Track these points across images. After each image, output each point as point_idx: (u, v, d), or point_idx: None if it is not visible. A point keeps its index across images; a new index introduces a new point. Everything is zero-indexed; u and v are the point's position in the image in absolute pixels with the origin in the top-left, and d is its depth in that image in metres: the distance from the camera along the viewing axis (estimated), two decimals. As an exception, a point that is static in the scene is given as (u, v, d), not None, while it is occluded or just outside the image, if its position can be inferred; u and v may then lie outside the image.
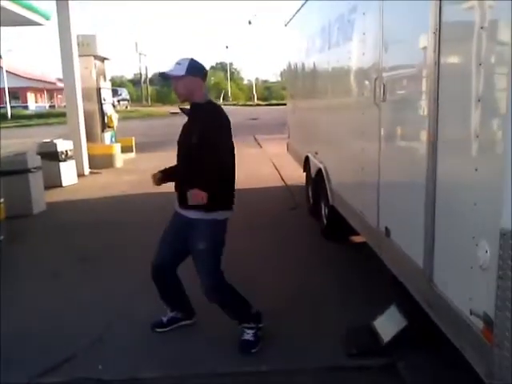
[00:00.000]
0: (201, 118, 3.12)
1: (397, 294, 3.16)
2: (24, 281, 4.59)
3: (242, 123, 24.33)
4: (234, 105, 50.67)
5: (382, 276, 3.48)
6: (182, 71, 3.07)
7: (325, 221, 5.44)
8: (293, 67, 8.22)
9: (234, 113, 34.40)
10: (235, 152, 3.32)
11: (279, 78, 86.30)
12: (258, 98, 57.30)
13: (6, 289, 4.25)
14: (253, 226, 6.08)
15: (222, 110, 3.29)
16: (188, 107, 3.22)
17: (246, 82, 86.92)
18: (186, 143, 3.18)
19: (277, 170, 9.98)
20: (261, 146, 14.71)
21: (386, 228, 3.20)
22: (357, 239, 4.93)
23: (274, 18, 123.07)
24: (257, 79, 73.64)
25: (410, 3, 2.84)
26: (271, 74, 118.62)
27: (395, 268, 3.11)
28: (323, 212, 5.50)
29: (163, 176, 3.45)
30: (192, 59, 3.17)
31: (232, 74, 76.97)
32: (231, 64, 79.54)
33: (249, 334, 3.23)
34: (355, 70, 4.14)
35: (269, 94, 69.07)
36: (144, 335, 3.42)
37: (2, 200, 5.78)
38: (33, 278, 4.66)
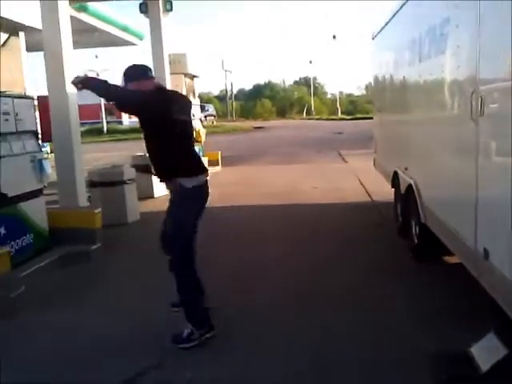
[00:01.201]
0: None
1: (496, 320, 2.96)
2: (118, 286, 4.84)
3: (326, 137, 24.21)
4: (318, 119, 50.57)
5: (478, 300, 3.27)
6: (123, 82, 3.50)
7: (415, 239, 5.21)
8: (380, 80, 8.05)
9: (318, 127, 34.58)
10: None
11: (364, 92, 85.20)
12: (342, 112, 56.72)
13: (102, 292, 4.51)
14: (337, 241, 6.00)
15: (166, 91, 3.74)
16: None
17: (329, 95, 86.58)
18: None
19: (362, 185, 9.79)
20: (345, 161, 14.52)
21: (485, 249, 3.01)
22: (450, 260, 4.68)
23: (360, 32, 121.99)
24: (341, 93, 73.01)
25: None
26: (355, 87, 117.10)
27: (495, 293, 2.91)
28: (413, 230, 5.28)
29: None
30: (127, 68, 3.57)
31: (315, 88, 76.90)
32: (315, 78, 79.55)
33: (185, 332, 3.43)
34: (449, 84, 3.98)
35: (353, 107, 68.12)
36: (228, 345, 3.47)
37: (100, 209, 6.17)
38: (126, 284, 4.90)
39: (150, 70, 3.69)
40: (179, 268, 3.56)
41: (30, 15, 5.12)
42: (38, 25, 5.31)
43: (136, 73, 3.52)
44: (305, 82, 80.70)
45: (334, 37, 59.85)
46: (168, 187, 3.65)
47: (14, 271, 4.29)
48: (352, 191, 9.21)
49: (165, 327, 3.74)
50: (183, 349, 3.40)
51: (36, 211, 5.14)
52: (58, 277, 4.90)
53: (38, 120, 5.92)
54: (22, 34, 5.27)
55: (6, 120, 4.76)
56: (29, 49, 5.46)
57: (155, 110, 3.36)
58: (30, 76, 5.35)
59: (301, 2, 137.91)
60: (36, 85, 5.55)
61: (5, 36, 5.16)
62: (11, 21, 4.87)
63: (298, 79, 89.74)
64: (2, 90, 4.90)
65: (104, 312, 4.12)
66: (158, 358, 3.30)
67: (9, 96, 4.83)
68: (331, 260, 5.29)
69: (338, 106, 58.79)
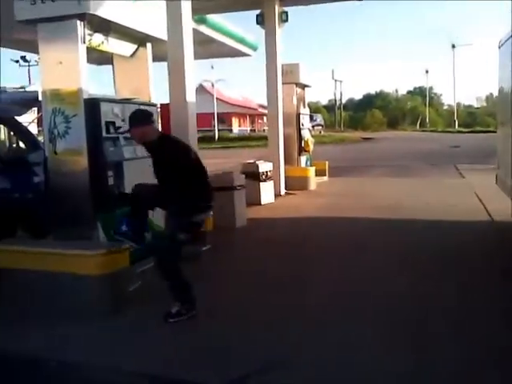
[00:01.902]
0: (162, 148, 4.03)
1: None
2: (226, 285, 4.98)
3: (442, 151, 23.00)
4: (432, 131, 48.27)
5: None
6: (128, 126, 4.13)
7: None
8: (506, 92, 7.46)
9: (432, 139, 32.98)
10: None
11: (484, 103, 79.84)
12: (459, 125, 53.61)
13: (212, 291, 4.66)
14: (444, 263, 5.62)
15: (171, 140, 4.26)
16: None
17: (445, 107, 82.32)
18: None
19: (482, 202, 9.10)
20: (463, 176, 13.64)
21: None
22: None
23: (481, 40, 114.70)
24: (458, 104, 69.03)
25: None
26: (475, 98, 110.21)
27: None
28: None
29: None
30: (132, 113, 4.11)
31: (431, 98, 73.49)
32: (431, 88, 76.12)
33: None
34: None
35: (472, 120, 64.14)
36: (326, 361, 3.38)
37: (211, 213, 6.39)
38: (233, 284, 5.02)
39: (152, 115, 4.28)
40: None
41: (157, 27, 5.43)
42: (164, 36, 5.65)
43: (140, 118, 4.03)
44: (419, 92, 77.55)
45: (454, 46, 57.01)
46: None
47: (133, 267, 4.58)
48: (469, 209, 8.59)
49: (264, 329, 3.76)
50: (173, 322, 3.90)
51: (155, 211, 5.43)
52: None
53: (160, 126, 6.30)
54: (149, 45, 5.63)
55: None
56: (154, 59, 5.85)
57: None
58: (154, 85, 5.69)
59: (418, 8, 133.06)
60: (158, 93, 5.90)
61: (134, 47, 5.54)
62: (140, 32, 5.21)
63: (412, 89, 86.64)
64: (130, 97, 5.27)
65: (209, 312, 4.24)
66: (261, 363, 3.32)
67: (136, 103, 5.19)
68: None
69: (455, 117, 55.68)
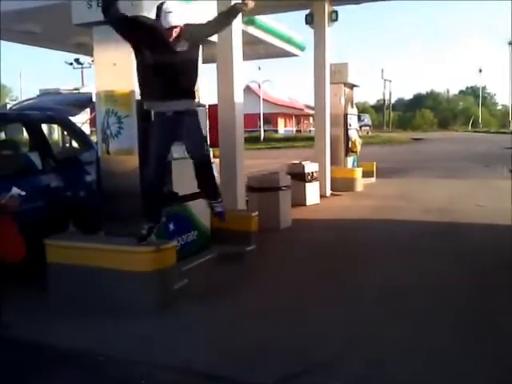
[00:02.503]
0: None
1: None
2: (271, 289, 4.97)
3: (496, 152, 22.14)
4: (485, 132, 46.60)
5: None
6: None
7: None
8: None
9: (485, 140, 31.82)
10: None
11: (543, 103, 76.20)
12: (514, 125, 51.48)
13: (255, 291, 4.69)
14: (494, 271, 5.41)
15: None
16: None
17: (499, 107, 79.21)
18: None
19: (539, 207, 8.67)
20: (517, 179, 13.08)
21: None
22: None
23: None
24: (513, 104, 66.19)
25: None
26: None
27: None
28: None
29: None
30: None
31: (484, 98, 70.90)
32: (484, 88, 73.42)
33: (219, 207, 4.55)
34: None
35: (528, 120, 61.40)
36: (380, 361, 3.32)
37: (257, 213, 6.41)
38: (278, 287, 5.01)
39: None
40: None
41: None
42: (214, 37, 5.69)
43: None
44: (472, 92, 75.18)
45: (510, 43, 54.81)
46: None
47: (179, 264, 4.65)
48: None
49: (306, 332, 3.74)
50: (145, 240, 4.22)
51: (200, 211, 5.51)
52: (217, 273, 5.20)
53: (208, 126, 6.38)
54: (200, 47, 5.69)
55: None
56: (204, 61, 5.91)
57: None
58: (204, 85, 5.75)
59: (471, 5, 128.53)
60: (207, 94, 5.96)
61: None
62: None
63: (464, 88, 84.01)
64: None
65: (255, 311, 4.25)
66: (304, 365, 3.30)
67: (185, 104, 5.26)
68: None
69: (510, 118, 53.48)
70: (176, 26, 4.06)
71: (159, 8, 4.05)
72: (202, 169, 4.46)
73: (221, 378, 3.22)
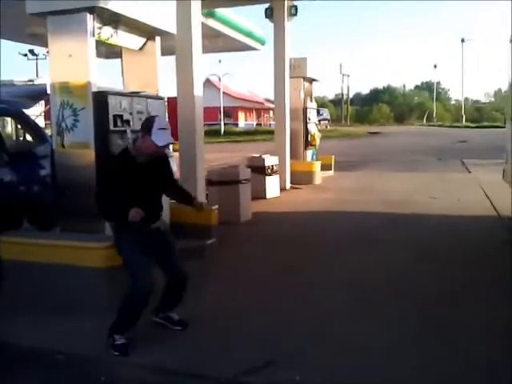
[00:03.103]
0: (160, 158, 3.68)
1: None
2: (229, 281, 5.00)
3: (449, 146, 22.90)
4: (439, 126, 48.03)
5: None
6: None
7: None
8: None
9: (439, 134, 32.83)
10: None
11: (493, 99, 79.27)
12: (466, 120, 53.30)
13: (212, 286, 4.70)
14: (455, 260, 5.63)
15: None
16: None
17: (453, 102, 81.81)
18: (159, 183, 3.68)
19: (488, 198, 9.08)
20: (469, 171, 13.60)
21: None
22: None
23: (490, 35, 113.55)
24: (466, 99, 68.62)
25: None
26: (483, 93, 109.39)
27: None
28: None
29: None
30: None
31: (439, 93, 73.06)
32: (438, 83, 75.59)
33: (176, 315, 3.83)
34: None
35: (479, 115, 63.77)
36: (344, 351, 3.40)
37: (217, 206, 6.41)
38: (237, 279, 5.05)
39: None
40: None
41: (166, 21, 5.43)
42: (173, 29, 5.64)
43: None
44: (427, 87, 77.20)
45: (463, 40, 56.68)
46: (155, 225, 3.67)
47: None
48: (475, 204, 8.58)
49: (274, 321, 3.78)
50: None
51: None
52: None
53: (167, 119, 6.31)
54: (158, 39, 5.63)
55: (140, 119, 5.13)
56: (162, 53, 5.85)
57: None
58: (162, 78, 5.69)
59: (426, 3, 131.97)
60: (166, 86, 5.90)
61: (143, 40, 5.54)
62: (149, 26, 5.21)
63: (419, 83, 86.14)
64: (138, 90, 5.28)
65: (215, 304, 4.27)
66: (267, 358, 3.34)
67: (143, 96, 5.20)
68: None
69: (463, 112, 55.37)
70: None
71: (150, 122, 3.47)
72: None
73: (179, 373, 3.23)
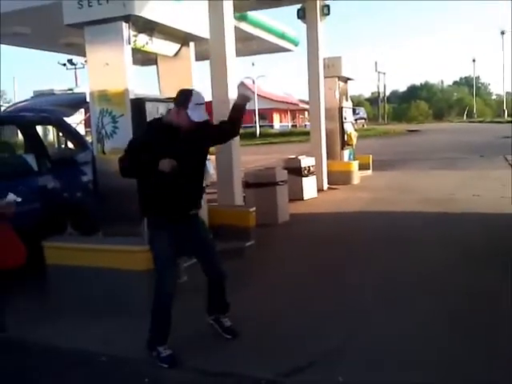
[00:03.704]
0: (200, 128, 3.34)
1: None
2: (269, 282, 4.99)
3: (491, 142, 22.17)
4: (480, 122, 46.64)
5: None
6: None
7: None
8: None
9: (480, 130, 31.87)
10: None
11: (536, 92, 76.36)
12: (508, 114, 51.54)
13: (252, 287, 4.70)
14: (494, 258, 5.44)
15: None
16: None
17: (494, 96, 79.38)
18: (198, 157, 3.46)
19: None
20: (513, 168, 13.13)
21: None
22: None
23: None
24: (508, 93, 66.33)
25: None
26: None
27: None
28: None
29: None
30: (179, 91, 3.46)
31: (478, 88, 71.01)
32: (478, 78, 73.53)
33: (227, 321, 3.68)
34: None
35: (522, 109, 61.53)
36: (380, 350, 3.35)
37: (254, 208, 6.43)
38: (277, 280, 5.04)
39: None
40: None
41: (199, 26, 5.49)
42: (206, 34, 5.70)
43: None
44: (466, 82, 75.31)
45: (503, 32, 54.94)
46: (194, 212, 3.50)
47: (179, 261, 4.64)
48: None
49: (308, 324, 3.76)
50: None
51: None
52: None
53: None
54: (192, 44, 5.69)
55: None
56: (197, 58, 5.91)
57: None
58: (197, 83, 5.75)
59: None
60: (201, 91, 5.95)
61: (177, 46, 5.62)
62: (183, 32, 5.28)
63: (458, 79, 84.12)
64: (174, 96, 5.35)
65: (257, 304, 4.27)
66: (308, 358, 3.32)
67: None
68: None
69: (505, 107, 53.61)
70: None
71: (187, 96, 3.31)
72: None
73: (221, 374, 3.25)
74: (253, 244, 6.06)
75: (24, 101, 8.30)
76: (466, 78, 78.73)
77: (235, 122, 3.55)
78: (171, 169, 3.10)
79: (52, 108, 6.70)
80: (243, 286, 4.65)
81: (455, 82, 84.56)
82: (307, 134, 15.82)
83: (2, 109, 12.67)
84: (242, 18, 9.87)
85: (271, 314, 4.12)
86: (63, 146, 7.48)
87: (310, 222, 7.94)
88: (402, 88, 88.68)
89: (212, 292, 3.67)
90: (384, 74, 60.32)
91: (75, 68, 35.33)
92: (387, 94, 69.01)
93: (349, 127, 12.75)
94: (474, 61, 69.09)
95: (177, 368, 3.33)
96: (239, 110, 3.50)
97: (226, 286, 3.65)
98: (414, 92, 79.57)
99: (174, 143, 3.28)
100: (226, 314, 3.70)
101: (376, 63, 53.78)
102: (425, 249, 5.90)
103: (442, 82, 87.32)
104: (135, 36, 4.85)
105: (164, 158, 3.12)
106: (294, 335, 3.71)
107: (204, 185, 3.79)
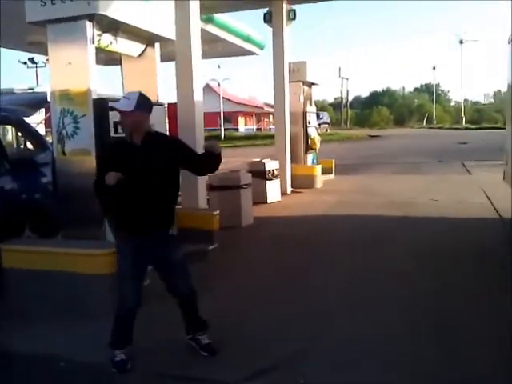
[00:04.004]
0: (163, 141, 3.38)
1: None
2: (233, 285, 4.99)
3: (449, 148, 22.90)
4: (440, 128, 48.04)
5: None
6: (130, 107, 3.15)
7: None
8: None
9: (439, 136, 32.85)
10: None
11: (492, 100, 79.38)
12: (466, 121, 53.33)
13: (216, 290, 4.70)
14: (455, 259, 5.62)
15: None
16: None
17: (452, 103, 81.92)
18: (158, 169, 3.23)
19: (489, 199, 9.07)
20: (470, 173, 13.60)
21: None
22: None
23: (489, 36, 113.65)
24: (466, 101, 68.68)
25: None
26: (482, 95, 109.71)
27: None
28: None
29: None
30: (140, 94, 3.24)
31: (438, 95, 73.17)
32: (438, 85, 75.77)
33: (205, 339, 3.51)
34: None
35: (479, 116, 63.74)
36: (343, 352, 3.40)
37: (218, 211, 6.42)
38: (239, 283, 5.04)
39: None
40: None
41: (165, 27, 5.46)
42: (172, 35, 5.66)
43: (148, 107, 3.31)
44: (426, 89, 77.31)
45: (462, 41, 56.89)
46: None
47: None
48: (477, 206, 8.58)
49: (274, 328, 3.78)
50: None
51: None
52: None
53: (167, 125, 6.32)
54: (157, 45, 5.65)
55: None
56: (162, 59, 5.87)
57: None
58: (161, 84, 5.71)
59: (424, 4, 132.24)
60: (165, 93, 5.92)
61: (142, 47, 5.57)
62: (149, 32, 5.24)
63: (418, 86, 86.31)
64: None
65: (219, 308, 4.26)
66: (271, 361, 3.34)
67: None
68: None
69: (463, 114, 55.46)
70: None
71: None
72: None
73: (183, 378, 3.24)
74: (216, 247, 6.05)
75: (-19, 99, 8.01)
76: (426, 84, 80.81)
77: (211, 163, 3.47)
78: (116, 182, 3.05)
79: (11, 107, 6.50)
80: (206, 289, 4.62)
81: (416, 89, 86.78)
82: (272, 137, 15.87)
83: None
84: (208, 19, 9.86)
85: (235, 317, 4.12)
86: (22, 146, 7.26)
87: (274, 225, 7.99)
88: (365, 94, 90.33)
89: (184, 312, 3.56)
90: (347, 79, 61.56)
91: (36, 67, 34.49)
92: (350, 99, 70.36)
93: (312, 131, 12.91)
94: (434, 68, 71.42)
95: (130, 372, 3.29)
96: (210, 156, 3.38)
97: (197, 304, 3.53)
98: (376, 98, 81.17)
99: (131, 156, 3.22)
100: (203, 331, 3.55)
101: (340, 69, 54.82)
102: (387, 251, 6.03)
103: (404, 88, 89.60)
104: (99, 35, 4.78)
105: (122, 171, 3.08)
106: (258, 338, 3.73)
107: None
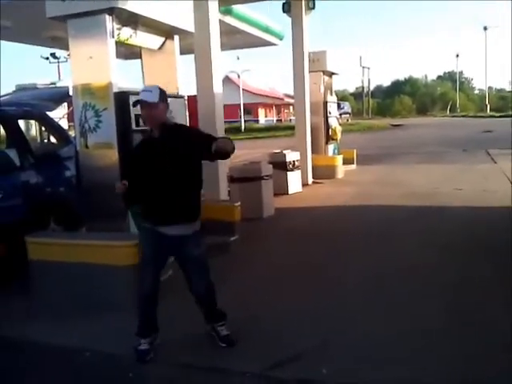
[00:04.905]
0: (181, 135, 3.25)
1: None
2: (253, 277, 5.00)
3: (473, 136, 22.45)
4: (463, 116, 47.16)
5: None
6: (155, 98, 3.20)
7: None
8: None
9: (463, 125, 32.25)
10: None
11: (517, 87, 77.45)
12: (491, 109, 52.19)
13: (236, 282, 4.71)
14: (484, 250, 5.52)
15: None
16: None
17: (476, 91, 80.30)
18: (177, 160, 3.19)
19: (514, 188, 8.88)
20: (495, 162, 13.31)
21: None
22: None
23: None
24: (490, 88, 67.20)
25: None
26: (507, 82, 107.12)
27: None
28: None
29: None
30: (159, 87, 3.32)
31: (461, 83, 71.76)
32: (461, 73, 74.29)
33: (224, 330, 3.51)
34: None
35: (504, 104, 62.27)
36: (364, 343, 3.38)
37: (239, 203, 6.43)
38: (260, 275, 5.05)
39: None
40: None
41: (184, 19, 5.46)
42: (191, 28, 5.66)
43: (166, 98, 3.35)
44: (449, 77, 75.97)
45: (486, 28, 55.58)
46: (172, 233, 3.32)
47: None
48: (502, 195, 8.40)
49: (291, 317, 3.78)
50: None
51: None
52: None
53: (188, 118, 6.34)
54: (176, 38, 5.66)
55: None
56: (181, 51, 5.88)
57: None
58: (181, 77, 5.73)
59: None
60: (185, 85, 5.92)
61: (162, 40, 5.58)
62: (168, 25, 5.25)
63: (441, 74, 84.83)
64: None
65: (240, 299, 4.28)
66: (293, 352, 3.34)
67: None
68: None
69: (487, 102, 54.31)
70: None
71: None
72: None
73: (205, 369, 3.25)
74: (237, 239, 6.06)
75: (6, 95, 8.17)
76: (449, 72, 79.46)
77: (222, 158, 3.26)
78: (122, 190, 3.19)
79: (34, 102, 6.61)
80: (227, 281, 4.65)
81: (439, 77, 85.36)
82: (292, 128, 15.85)
83: (-16, 102, 12.41)
84: (226, 11, 9.82)
85: (255, 310, 4.12)
86: (46, 140, 7.38)
87: (295, 216, 7.97)
88: (386, 83, 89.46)
89: (201, 305, 3.59)
90: (368, 68, 60.60)
91: (58, 62, 34.95)
92: (371, 88, 69.43)
93: (333, 122, 12.80)
94: (457, 56, 70.18)
95: (160, 362, 3.33)
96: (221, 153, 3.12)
97: (214, 299, 3.55)
98: (397, 87, 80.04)
99: (152, 153, 3.28)
100: (222, 322, 3.56)
101: (361, 58, 54.05)
102: (410, 243, 5.94)
103: (426, 76, 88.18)
104: (119, 29, 4.81)
105: (144, 169, 3.24)
106: (278, 330, 3.71)
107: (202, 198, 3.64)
